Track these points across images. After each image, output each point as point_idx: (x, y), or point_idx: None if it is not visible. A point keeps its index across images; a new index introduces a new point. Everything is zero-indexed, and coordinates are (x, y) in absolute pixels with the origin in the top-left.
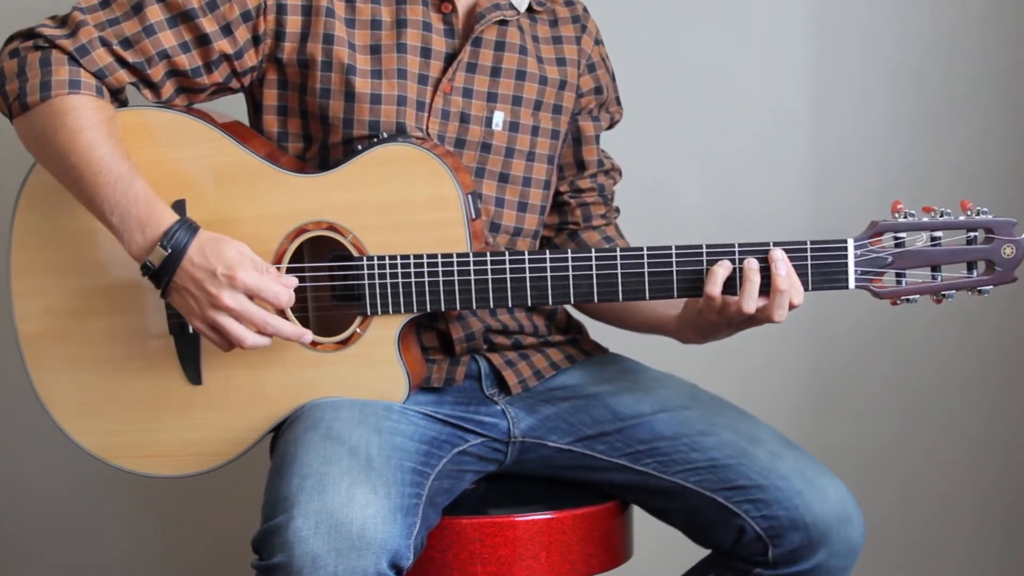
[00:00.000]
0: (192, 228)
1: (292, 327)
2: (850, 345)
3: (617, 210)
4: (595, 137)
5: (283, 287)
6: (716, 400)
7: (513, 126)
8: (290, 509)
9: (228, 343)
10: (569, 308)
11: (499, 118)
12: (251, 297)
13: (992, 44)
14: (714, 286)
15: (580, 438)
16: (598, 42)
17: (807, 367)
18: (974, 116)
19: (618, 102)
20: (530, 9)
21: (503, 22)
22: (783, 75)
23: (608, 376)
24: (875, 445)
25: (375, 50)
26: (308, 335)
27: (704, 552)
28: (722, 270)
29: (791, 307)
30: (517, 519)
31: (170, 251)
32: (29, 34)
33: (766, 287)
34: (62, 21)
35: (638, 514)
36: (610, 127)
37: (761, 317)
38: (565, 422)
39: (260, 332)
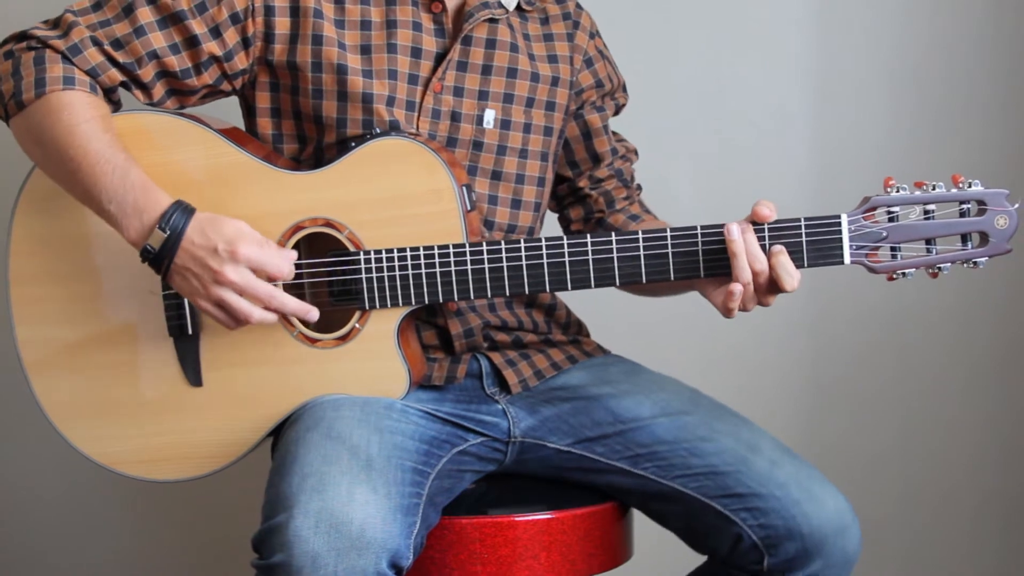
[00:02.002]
0: (188, 210)
1: (297, 302)
2: (850, 345)
3: (639, 187)
4: (603, 128)
5: (284, 259)
6: (717, 406)
7: (504, 123)
8: (290, 508)
9: (235, 320)
10: (567, 302)
11: (490, 116)
12: (254, 272)
13: (992, 44)
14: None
15: (580, 440)
16: (593, 35)
17: (807, 367)
18: (974, 116)
19: (623, 89)
20: (519, 8)
21: (492, 20)
22: (783, 75)
23: (610, 378)
24: (875, 445)
25: (365, 50)
26: (314, 312)
27: (700, 557)
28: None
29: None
30: (517, 519)
31: (169, 232)
32: (22, 36)
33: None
34: (54, 23)
35: (638, 514)
36: (616, 113)
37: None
38: (565, 423)
39: (265, 307)
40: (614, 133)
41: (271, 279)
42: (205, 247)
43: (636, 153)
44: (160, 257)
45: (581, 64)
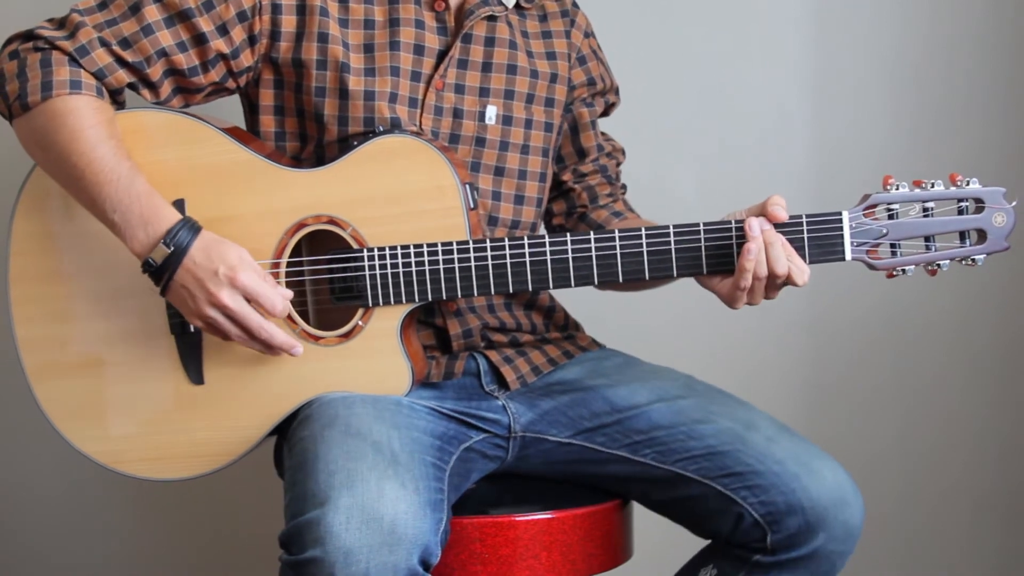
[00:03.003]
0: (195, 228)
1: (284, 336)
2: (850, 344)
3: (624, 187)
4: (591, 123)
5: (280, 296)
6: (712, 389)
7: (506, 119)
8: (322, 505)
9: (225, 336)
10: (565, 304)
11: (492, 112)
12: (249, 301)
13: (992, 43)
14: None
15: (580, 431)
16: (588, 35)
17: (807, 365)
18: (973, 116)
19: (616, 91)
20: (518, 6)
21: (492, 18)
22: (782, 74)
23: (605, 370)
24: (874, 444)
25: (368, 49)
26: (299, 348)
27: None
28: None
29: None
30: (517, 519)
31: (172, 249)
32: (28, 35)
33: None
34: (61, 23)
35: (638, 513)
36: (605, 113)
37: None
38: (564, 415)
39: (253, 337)
40: (602, 133)
41: (264, 313)
42: (206, 268)
43: (623, 153)
44: (161, 271)
45: (574, 61)
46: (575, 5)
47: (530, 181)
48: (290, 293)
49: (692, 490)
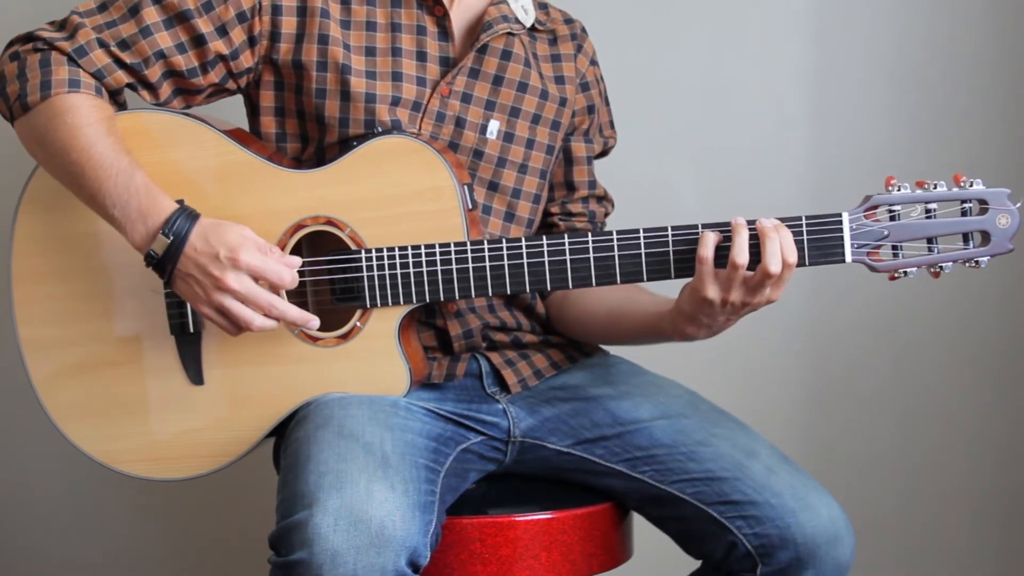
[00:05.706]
0: (192, 215)
1: (298, 311)
2: (850, 345)
3: None
4: (586, 159)
5: (286, 267)
6: (715, 410)
7: (508, 136)
8: (310, 506)
9: (236, 327)
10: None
11: (494, 127)
12: (256, 279)
13: (992, 43)
14: (705, 248)
15: (579, 441)
16: (593, 63)
17: (807, 367)
18: (974, 116)
19: (612, 126)
20: (532, 28)
21: (509, 34)
22: (782, 75)
23: (610, 378)
24: (874, 444)
25: (370, 52)
26: (315, 320)
27: (695, 562)
28: (713, 235)
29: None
30: (517, 519)
31: (172, 238)
32: (28, 37)
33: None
34: (60, 25)
35: (638, 514)
36: (603, 153)
37: (760, 295)
38: (565, 424)
39: (266, 315)
40: (593, 173)
41: (273, 287)
42: (207, 254)
43: (613, 204)
44: (163, 263)
45: (578, 86)
46: (583, 31)
47: (523, 201)
48: (297, 261)
49: (687, 512)
